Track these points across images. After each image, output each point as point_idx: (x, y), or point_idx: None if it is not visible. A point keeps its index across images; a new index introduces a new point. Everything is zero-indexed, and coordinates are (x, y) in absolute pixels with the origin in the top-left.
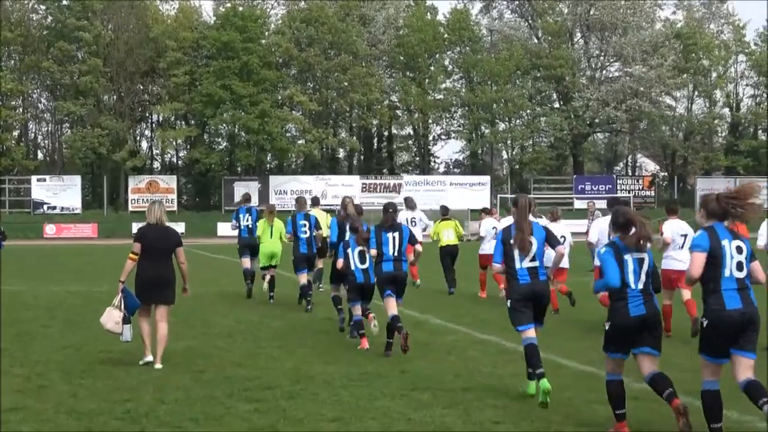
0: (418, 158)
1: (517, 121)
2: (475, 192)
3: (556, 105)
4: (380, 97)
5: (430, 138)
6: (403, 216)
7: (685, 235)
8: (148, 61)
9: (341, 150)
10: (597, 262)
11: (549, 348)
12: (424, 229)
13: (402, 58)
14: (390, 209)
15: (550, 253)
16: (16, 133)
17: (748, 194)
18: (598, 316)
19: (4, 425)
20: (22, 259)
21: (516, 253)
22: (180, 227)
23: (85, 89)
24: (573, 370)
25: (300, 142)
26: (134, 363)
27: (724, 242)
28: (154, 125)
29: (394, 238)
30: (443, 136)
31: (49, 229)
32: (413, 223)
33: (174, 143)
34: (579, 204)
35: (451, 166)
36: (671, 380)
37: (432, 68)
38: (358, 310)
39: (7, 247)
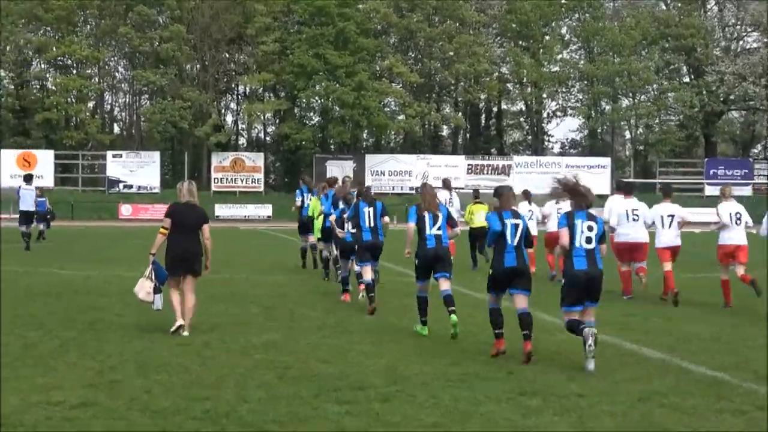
0: (530, 137)
1: (642, 96)
2: (593, 175)
3: (686, 79)
4: (489, 69)
5: (544, 115)
6: (441, 196)
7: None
8: (234, 28)
9: (445, 127)
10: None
11: (673, 350)
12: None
13: (514, 25)
14: (366, 189)
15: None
16: (91, 105)
17: None
18: (734, 318)
19: (74, 421)
20: (95, 241)
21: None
22: (266, 209)
23: (165, 57)
24: (699, 375)
25: (400, 117)
26: (214, 357)
27: None
28: (240, 98)
29: (369, 212)
30: (558, 113)
31: (125, 210)
32: (451, 204)
33: (262, 117)
34: (710, 190)
35: (566, 147)
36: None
37: (547, 37)
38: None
39: (79, 229)
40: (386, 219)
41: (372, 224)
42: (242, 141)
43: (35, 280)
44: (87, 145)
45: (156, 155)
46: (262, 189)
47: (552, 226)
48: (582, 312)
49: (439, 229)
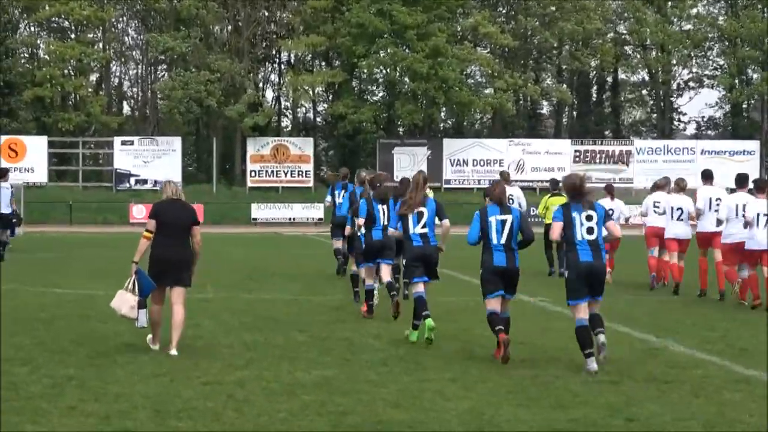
0: (655, 115)
1: None
2: (736, 163)
3: None
4: (602, 29)
5: (674, 86)
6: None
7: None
8: None
9: (545, 103)
10: None
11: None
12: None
13: None
14: (378, 183)
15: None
16: (93, 78)
17: None
18: None
19: None
20: (100, 251)
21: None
22: (316, 211)
23: (187, 17)
24: None
25: (487, 91)
26: (251, 399)
27: None
28: (283, 67)
29: (384, 209)
30: (692, 84)
31: (137, 212)
32: (510, 201)
33: (310, 93)
34: None
35: (702, 127)
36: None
37: None
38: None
39: (80, 236)
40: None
41: (386, 221)
42: (285, 123)
43: (22, 301)
44: (89, 129)
45: (176, 142)
46: (311, 184)
47: (649, 221)
48: (588, 305)
49: (424, 227)
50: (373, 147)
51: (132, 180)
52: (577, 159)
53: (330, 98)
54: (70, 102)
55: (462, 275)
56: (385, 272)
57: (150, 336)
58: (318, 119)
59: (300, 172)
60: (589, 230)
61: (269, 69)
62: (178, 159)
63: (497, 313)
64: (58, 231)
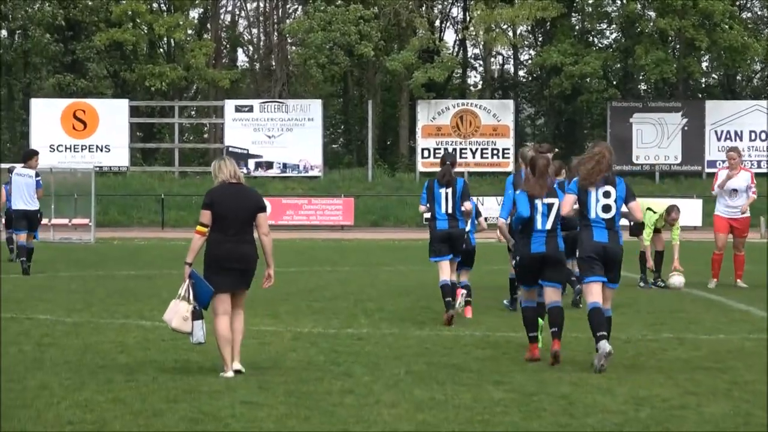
0: None
1: None
2: None
3: None
4: None
5: None
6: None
7: None
8: None
9: None
10: None
11: None
12: None
13: None
14: (448, 161)
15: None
16: (195, 15)
17: None
18: None
19: None
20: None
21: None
22: None
23: None
24: None
25: None
26: None
27: None
28: None
29: (447, 193)
30: None
31: None
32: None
33: (510, 35)
34: None
35: None
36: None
37: None
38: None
39: (176, 245)
40: (467, 205)
41: (450, 210)
42: (473, 79)
43: (94, 340)
44: (189, 90)
45: (315, 107)
46: (511, 167)
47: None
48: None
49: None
50: (602, 113)
51: (251, 163)
52: None
53: (539, 43)
54: (161, 50)
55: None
56: (444, 269)
57: (223, 374)
58: (521, 74)
59: (495, 152)
60: (606, 208)
61: (450, 0)
62: (317, 132)
63: None
64: (143, 237)
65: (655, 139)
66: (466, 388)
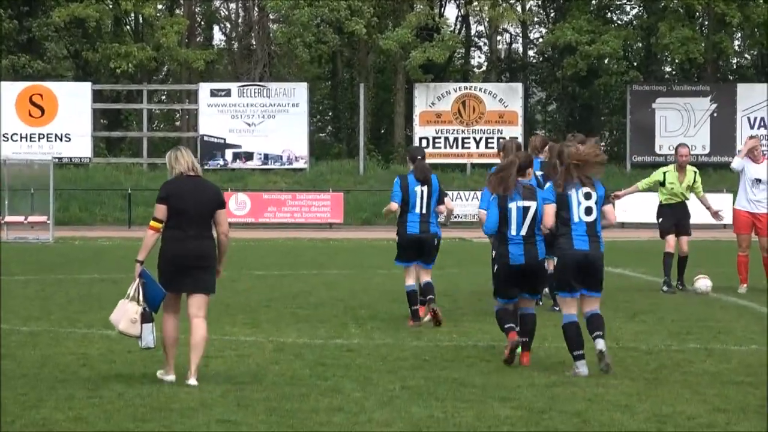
0: None
1: None
2: None
3: None
4: None
5: None
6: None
7: None
8: None
9: None
10: None
11: None
12: None
13: None
14: (419, 156)
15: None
16: None
17: None
18: None
19: None
20: None
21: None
22: None
23: None
24: None
25: None
26: None
27: None
28: None
29: (423, 191)
30: None
31: (237, 204)
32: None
33: (518, 10)
34: None
35: None
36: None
37: None
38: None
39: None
40: (449, 203)
41: (425, 210)
42: (477, 59)
43: (46, 353)
44: (159, 72)
45: (300, 91)
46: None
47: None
48: (582, 301)
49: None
50: (621, 98)
51: (228, 153)
52: None
53: (551, 19)
54: (128, 27)
55: None
56: (423, 275)
57: (160, 371)
58: (531, 53)
59: (502, 141)
60: (588, 210)
61: None
62: (302, 120)
63: None
64: (108, 236)
65: (681, 126)
66: (468, 405)
